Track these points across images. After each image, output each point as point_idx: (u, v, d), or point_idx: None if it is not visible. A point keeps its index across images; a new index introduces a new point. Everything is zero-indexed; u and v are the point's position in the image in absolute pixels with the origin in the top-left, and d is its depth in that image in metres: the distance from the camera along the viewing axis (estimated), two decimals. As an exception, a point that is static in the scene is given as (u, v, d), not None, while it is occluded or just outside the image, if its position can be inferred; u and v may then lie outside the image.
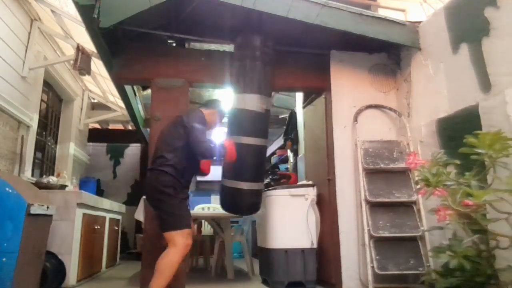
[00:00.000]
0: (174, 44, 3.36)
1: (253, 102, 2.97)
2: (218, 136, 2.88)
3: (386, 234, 2.80)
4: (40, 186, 3.31)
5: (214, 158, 2.53)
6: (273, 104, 5.67)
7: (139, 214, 3.70)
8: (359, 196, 2.99)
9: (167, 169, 2.38)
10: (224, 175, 3.09)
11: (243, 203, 3.04)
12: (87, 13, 2.49)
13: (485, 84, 2.26)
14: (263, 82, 3.04)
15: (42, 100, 4.39)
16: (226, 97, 5.22)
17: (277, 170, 5.79)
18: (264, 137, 3.08)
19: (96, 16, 2.45)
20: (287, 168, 5.61)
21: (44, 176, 4.31)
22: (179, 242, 2.27)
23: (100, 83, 5.24)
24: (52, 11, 3.72)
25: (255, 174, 3.02)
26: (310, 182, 3.50)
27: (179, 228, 2.30)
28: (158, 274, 2.22)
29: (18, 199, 2.31)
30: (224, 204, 3.15)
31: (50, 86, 4.75)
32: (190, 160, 2.50)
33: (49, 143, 4.91)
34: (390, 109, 3.30)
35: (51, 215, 2.74)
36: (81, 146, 5.83)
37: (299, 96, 4.73)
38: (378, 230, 2.81)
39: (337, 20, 2.83)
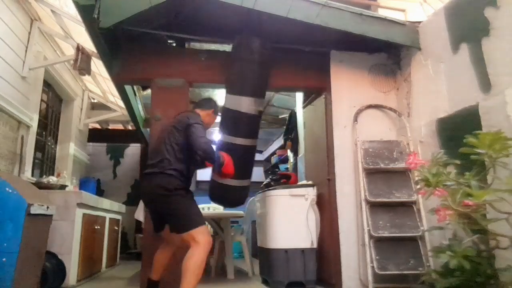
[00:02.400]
0: (174, 44, 3.36)
1: (248, 105, 3.02)
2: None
3: (386, 234, 2.80)
4: (40, 186, 3.31)
5: (214, 160, 2.44)
6: (273, 104, 5.69)
7: (139, 214, 3.70)
8: (359, 196, 2.99)
9: (173, 173, 2.34)
10: (213, 170, 3.04)
11: (232, 198, 3.22)
12: (87, 13, 2.49)
13: (485, 84, 2.26)
14: (258, 84, 3.08)
15: (42, 100, 4.39)
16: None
17: (277, 170, 5.80)
18: (255, 138, 3.17)
19: (96, 16, 2.45)
20: (287, 168, 5.61)
21: (44, 176, 4.31)
22: (200, 239, 2.22)
23: (100, 83, 5.24)
24: (52, 11, 3.72)
25: (244, 172, 3.11)
26: (310, 182, 3.50)
27: (197, 226, 2.26)
28: (187, 276, 2.15)
29: (18, 199, 2.31)
30: (213, 197, 3.28)
31: (50, 86, 4.75)
32: (191, 161, 2.46)
33: (49, 143, 4.91)
34: (390, 109, 3.30)
35: (51, 215, 2.74)
36: (81, 146, 5.83)
37: (299, 96, 4.73)
38: (378, 230, 2.81)
39: (337, 20, 2.83)
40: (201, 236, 2.23)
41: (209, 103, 2.80)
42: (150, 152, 2.65)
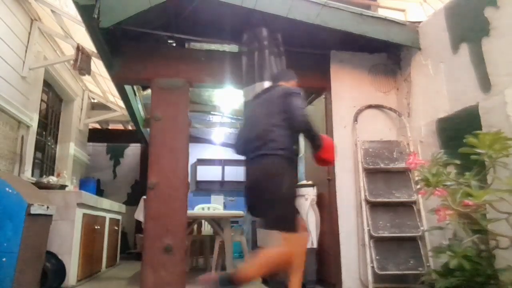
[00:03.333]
0: (174, 44, 3.36)
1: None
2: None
3: (386, 234, 2.80)
4: (40, 186, 3.31)
5: (314, 138, 2.15)
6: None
7: (139, 214, 3.70)
8: (359, 196, 2.99)
9: (283, 153, 2.08)
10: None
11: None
12: (87, 13, 2.49)
13: (485, 84, 2.26)
14: (276, 69, 2.92)
15: (42, 100, 4.39)
16: (226, 97, 5.25)
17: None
18: None
19: (96, 16, 2.45)
20: (287, 168, 5.59)
21: (44, 176, 4.31)
22: (294, 247, 2.04)
23: (100, 83, 5.24)
24: (52, 11, 3.72)
25: None
26: (310, 182, 3.50)
27: (297, 230, 2.05)
28: (258, 263, 1.99)
29: (18, 199, 2.31)
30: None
31: (50, 86, 4.75)
32: (295, 140, 2.20)
33: (49, 143, 4.91)
34: (390, 109, 3.29)
35: (51, 215, 2.74)
36: (81, 146, 5.83)
37: (299, 96, 4.72)
38: (378, 230, 2.81)
39: (337, 20, 2.83)
40: (297, 245, 2.07)
41: (290, 73, 2.55)
42: (246, 133, 2.30)
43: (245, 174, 2.24)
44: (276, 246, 2.02)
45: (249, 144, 2.21)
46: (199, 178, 7.59)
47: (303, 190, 3.36)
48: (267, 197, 2.08)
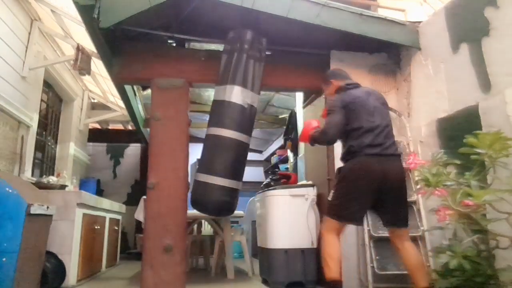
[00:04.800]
0: (174, 44, 3.36)
1: (235, 94, 2.84)
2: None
3: (386, 234, 2.80)
4: (40, 186, 3.31)
5: None
6: (273, 104, 5.69)
7: (139, 214, 3.70)
8: (359, 196, 2.98)
9: None
10: (197, 169, 2.90)
11: (211, 200, 2.76)
12: (87, 13, 2.49)
13: (485, 84, 2.26)
14: (249, 76, 2.93)
15: (42, 100, 4.39)
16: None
17: (277, 170, 5.80)
18: (245, 133, 2.87)
19: (96, 16, 2.45)
20: (287, 168, 5.61)
21: (44, 176, 4.31)
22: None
23: (100, 83, 5.25)
24: (52, 11, 3.72)
25: (230, 170, 2.78)
26: (310, 182, 3.50)
27: None
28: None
29: (18, 199, 2.31)
30: (192, 201, 2.86)
31: (50, 86, 4.75)
32: None
33: (49, 143, 4.91)
34: (390, 109, 3.28)
35: (51, 215, 2.74)
36: (81, 146, 5.83)
37: (299, 96, 4.73)
38: (378, 230, 2.81)
39: (337, 20, 2.84)
40: None
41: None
42: (373, 127, 2.19)
43: (371, 165, 2.14)
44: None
45: (379, 137, 2.19)
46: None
47: (303, 190, 3.37)
48: (406, 197, 2.23)
